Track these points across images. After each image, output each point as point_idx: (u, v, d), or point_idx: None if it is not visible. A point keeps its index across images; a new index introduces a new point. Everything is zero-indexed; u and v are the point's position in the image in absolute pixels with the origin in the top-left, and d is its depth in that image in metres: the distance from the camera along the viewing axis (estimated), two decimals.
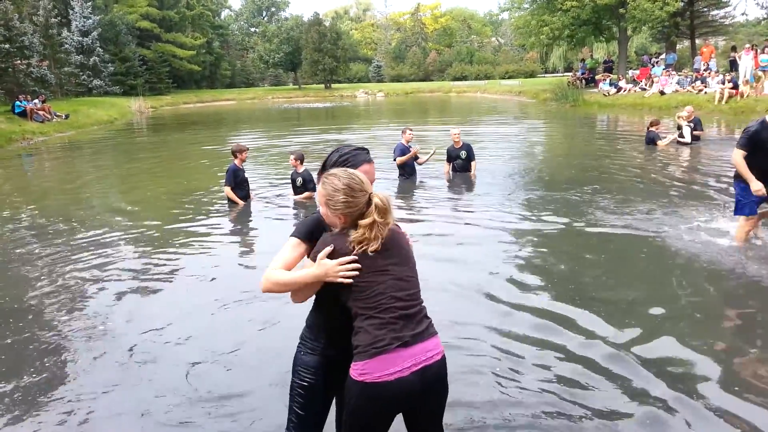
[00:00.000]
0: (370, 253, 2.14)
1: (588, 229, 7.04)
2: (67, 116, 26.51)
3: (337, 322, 2.29)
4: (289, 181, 9.51)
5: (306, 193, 9.13)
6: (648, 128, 13.59)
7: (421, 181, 10.45)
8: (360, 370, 2.08)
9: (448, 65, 68.19)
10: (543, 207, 8.33)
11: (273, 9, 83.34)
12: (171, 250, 7.03)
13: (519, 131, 19.25)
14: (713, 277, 5.41)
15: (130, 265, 6.47)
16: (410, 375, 2.07)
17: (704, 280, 5.38)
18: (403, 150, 10.30)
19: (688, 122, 13.37)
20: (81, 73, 41.30)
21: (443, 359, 2.19)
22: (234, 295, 5.29)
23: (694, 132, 13.33)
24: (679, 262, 5.78)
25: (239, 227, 8.36)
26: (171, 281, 5.94)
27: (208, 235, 7.70)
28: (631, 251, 6.29)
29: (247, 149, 9.22)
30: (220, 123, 30.29)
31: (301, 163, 9.15)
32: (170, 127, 28.38)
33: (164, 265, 6.46)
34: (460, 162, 10.62)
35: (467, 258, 6.24)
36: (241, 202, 8.97)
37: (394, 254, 2.20)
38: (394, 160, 10.34)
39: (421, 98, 47.31)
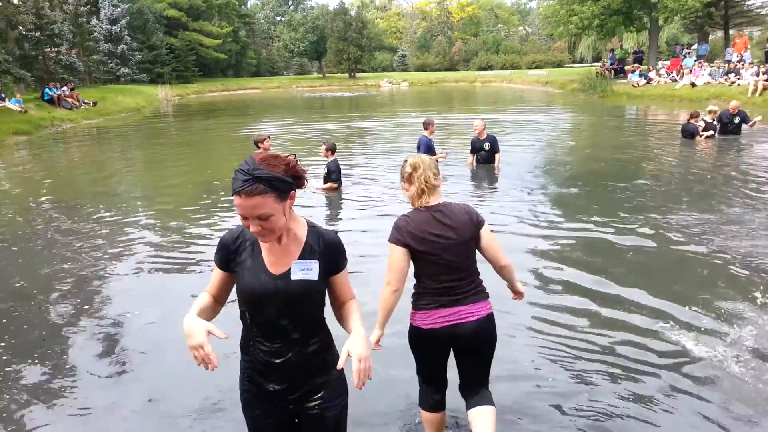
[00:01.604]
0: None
1: (616, 238, 6.41)
2: (95, 103, 26.86)
3: None
4: (313, 170, 9.44)
5: (328, 184, 9.04)
6: (688, 120, 13.19)
7: (443, 175, 10.26)
8: None
9: (473, 55, 67.47)
10: (568, 207, 8.10)
11: None
12: (191, 242, 7.01)
13: (545, 122, 18.90)
14: None
15: (147, 255, 6.47)
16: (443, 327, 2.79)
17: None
18: (429, 145, 10.10)
19: (734, 114, 13.08)
20: (109, 61, 41.82)
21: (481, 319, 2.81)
22: None
23: (742, 125, 13.12)
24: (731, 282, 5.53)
25: None
26: (188, 272, 5.92)
27: (228, 228, 7.67)
28: (672, 267, 5.78)
29: (269, 138, 9.13)
30: (245, 111, 30.42)
31: (332, 153, 9.06)
32: (196, 114, 28.56)
33: (184, 257, 6.44)
34: (484, 154, 10.43)
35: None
36: None
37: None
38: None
39: (445, 88, 46.89)
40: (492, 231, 2.93)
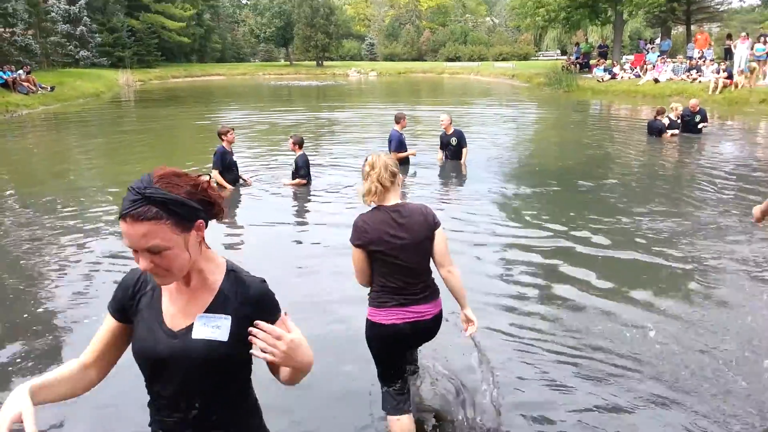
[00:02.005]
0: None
1: (586, 243, 6.33)
2: (52, 88, 25.90)
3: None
4: (280, 164, 9.29)
5: (297, 180, 8.91)
6: (654, 117, 13.41)
7: (413, 170, 10.22)
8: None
9: (441, 45, 67.49)
10: (537, 207, 8.14)
11: None
12: None
13: (512, 116, 19.04)
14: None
15: (108, 248, 6.24)
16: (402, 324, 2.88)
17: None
18: (400, 139, 10.02)
19: (695, 113, 13.31)
20: (68, 44, 40.26)
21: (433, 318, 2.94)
22: None
23: (701, 124, 13.34)
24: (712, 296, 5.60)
25: (226, 216, 8.09)
26: None
27: None
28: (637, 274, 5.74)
29: (233, 130, 8.93)
30: (209, 98, 29.81)
31: (300, 147, 8.89)
32: (158, 101, 27.85)
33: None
34: (452, 148, 10.41)
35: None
36: (229, 187, 8.71)
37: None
38: (390, 151, 10.11)
39: (413, 79, 46.82)
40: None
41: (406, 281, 2.84)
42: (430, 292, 2.91)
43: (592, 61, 31.53)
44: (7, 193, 9.00)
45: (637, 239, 6.44)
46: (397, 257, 2.79)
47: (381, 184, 2.81)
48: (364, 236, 2.81)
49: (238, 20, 75.57)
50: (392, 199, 2.86)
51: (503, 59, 57.98)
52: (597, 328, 4.45)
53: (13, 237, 6.80)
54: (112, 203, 8.36)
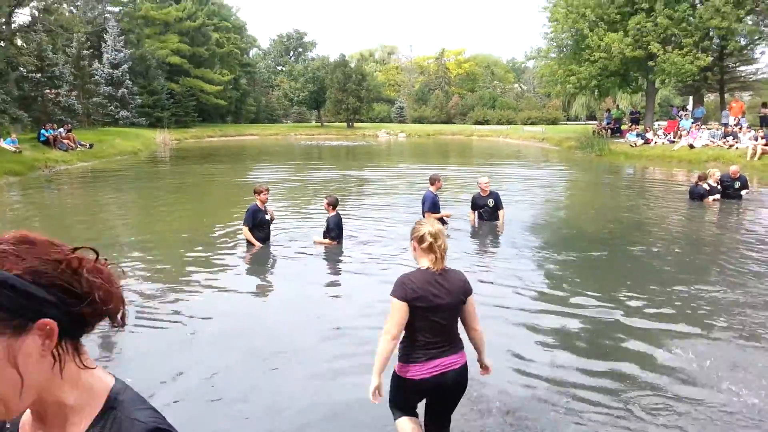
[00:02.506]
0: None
1: (629, 317, 5.89)
2: (91, 145, 26.70)
3: None
4: (317, 221, 9.14)
5: (327, 240, 8.72)
6: (696, 183, 13.10)
7: (447, 232, 9.96)
8: None
9: (470, 109, 68.46)
10: (573, 271, 7.78)
11: (300, 49, 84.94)
12: (177, 293, 6.63)
13: (544, 178, 18.81)
14: None
15: (133, 306, 6.06)
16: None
17: None
18: (434, 201, 9.83)
19: (735, 179, 13.06)
20: (109, 104, 41.92)
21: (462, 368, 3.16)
22: (230, 347, 4.85)
23: (742, 191, 13.08)
24: None
25: (253, 273, 7.91)
26: (169, 326, 5.50)
27: (217, 279, 7.30)
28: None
29: (268, 190, 8.86)
30: (242, 157, 30.35)
31: (333, 208, 8.76)
32: (193, 159, 28.45)
33: (168, 309, 6.04)
34: (488, 210, 10.18)
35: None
36: (258, 244, 8.58)
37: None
38: (423, 212, 9.92)
39: (442, 140, 47.27)
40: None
41: (440, 335, 3.09)
42: (457, 347, 3.17)
43: (623, 127, 31.42)
44: None
45: (686, 310, 6.01)
46: (435, 314, 3.05)
47: (443, 252, 3.13)
48: (410, 293, 3.02)
49: (273, 84, 78.19)
50: (440, 266, 3.14)
51: (532, 123, 58.35)
52: (644, 401, 4.03)
53: None
54: (141, 257, 8.25)
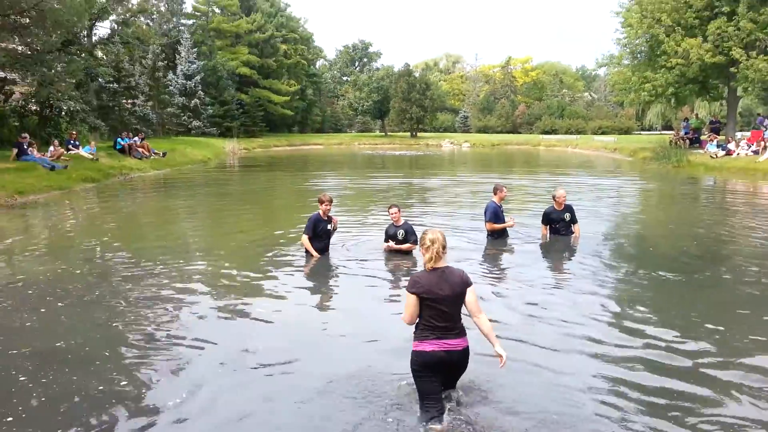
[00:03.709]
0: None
1: (701, 357, 5.12)
2: (164, 154, 27.73)
3: None
4: (377, 231, 9.00)
5: (407, 245, 8.54)
6: None
7: (511, 243, 9.61)
8: None
9: (537, 119, 67.02)
10: (647, 295, 7.22)
11: (365, 60, 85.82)
12: (237, 301, 6.60)
13: (617, 190, 17.99)
14: None
15: (186, 317, 6.06)
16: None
17: None
18: (496, 211, 9.51)
19: None
20: (182, 114, 43.62)
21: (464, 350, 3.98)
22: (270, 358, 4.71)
23: None
24: None
25: (310, 284, 7.79)
26: (229, 330, 5.44)
27: (276, 289, 7.23)
28: None
29: (331, 201, 8.73)
30: (307, 165, 30.80)
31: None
32: (260, 168, 29.13)
33: (225, 316, 6.01)
34: (563, 224, 9.69)
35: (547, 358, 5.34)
36: (316, 255, 8.47)
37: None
38: (486, 222, 9.61)
39: (508, 151, 46.42)
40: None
41: (445, 322, 3.90)
42: (460, 331, 3.97)
43: (703, 137, 29.80)
44: (115, 248, 9.27)
45: None
46: (440, 304, 3.87)
47: (438, 255, 3.93)
48: (419, 287, 3.89)
49: (338, 95, 79.33)
50: (441, 264, 3.97)
51: (603, 133, 56.48)
52: None
53: (107, 288, 6.82)
54: (203, 263, 8.34)
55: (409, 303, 3.91)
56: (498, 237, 9.64)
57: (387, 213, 9.04)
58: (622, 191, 18.10)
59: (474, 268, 7.91)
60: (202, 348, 5.30)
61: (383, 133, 66.03)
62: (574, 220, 9.72)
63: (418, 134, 60.70)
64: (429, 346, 3.87)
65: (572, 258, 8.95)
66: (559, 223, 9.68)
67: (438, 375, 3.92)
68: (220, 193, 18.30)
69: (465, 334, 4.00)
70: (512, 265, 8.43)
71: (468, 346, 3.99)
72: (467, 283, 3.98)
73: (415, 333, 3.99)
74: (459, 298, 3.95)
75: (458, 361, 3.96)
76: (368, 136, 64.22)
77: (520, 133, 65.36)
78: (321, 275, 8.12)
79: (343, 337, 5.56)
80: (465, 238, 10.00)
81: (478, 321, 4.02)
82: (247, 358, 5.07)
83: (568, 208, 9.72)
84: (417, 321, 3.96)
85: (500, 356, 3.96)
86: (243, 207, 15.09)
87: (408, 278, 4.09)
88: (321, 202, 8.62)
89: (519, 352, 5.05)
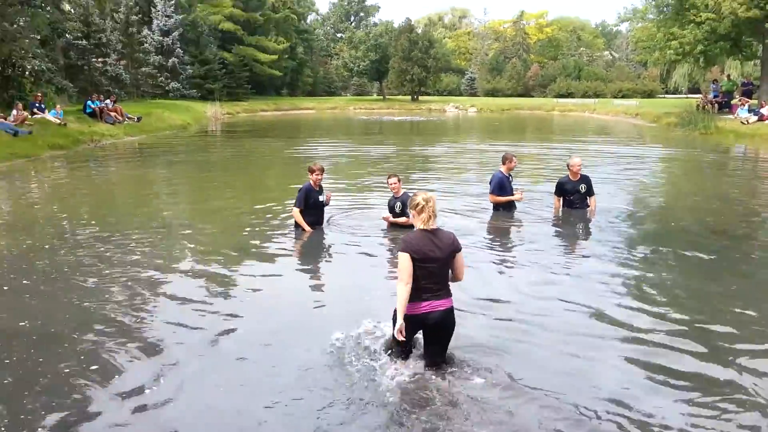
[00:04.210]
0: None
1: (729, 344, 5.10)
2: (139, 119, 27.53)
3: None
4: (374, 204, 9.00)
5: (404, 218, 8.52)
6: None
7: (519, 218, 9.62)
8: None
9: (551, 80, 66.58)
10: (671, 275, 7.23)
11: (362, 14, 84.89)
12: (219, 280, 6.62)
13: (637, 159, 17.95)
14: None
15: (176, 290, 6.08)
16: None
17: None
18: (503, 182, 9.47)
19: None
20: (158, 75, 43.17)
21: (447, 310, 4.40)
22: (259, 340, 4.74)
23: None
24: None
25: (301, 261, 7.82)
26: (211, 312, 5.47)
27: (263, 267, 7.24)
28: None
29: (323, 170, 8.70)
30: (297, 132, 30.65)
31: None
32: (245, 134, 28.98)
33: (213, 296, 6.03)
34: (578, 197, 9.65)
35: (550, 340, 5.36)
36: (308, 229, 8.48)
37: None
38: (489, 193, 9.59)
39: (519, 116, 46.20)
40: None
41: (432, 282, 4.30)
42: (446, 293, 4.39)
43: (733, 101, 29.63)
44: (84, 222, 9.26)
45: None
46: (429, 264, 4.27)
47: (434, 213, 4.36)
48: (411, 247, 4.25)
49: (332, 53, 78.60)
50: (433, 225, 4.36)
51: (623, 96, 56.21)
52: None
53: (85, 265, 6.83)
54: (186, 239, 8.34)
55: (402, 262, 4.23)
56: (504, 210, 9.63)
57: (386, 184, 9.01)
58: (643, 160, 18.06)
59: (478, 244, 7.93)
60: (176, 331, 5.31)
61: (381, 97, 65.64)
62: (590, 192, 9.69)
63: (420, 98, 60.33)
64: (415, 309, 4.25)
65: (587, 234, 8.97)
66: (573, 195, 9.66)
67: (417, 331, 4.42)
68: (201, 162, 18.23)
69: (451, 295, 4.42)
70: (521, 242, 8.44)
71: (452, 307, 4.40)
72: (458, 247, 4.41)
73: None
74: (448, 261, 4.37)
75: (442, 319, 4.34)
76: (365, 99, 63.83)
77: (532, 96, 65.02)
78: (313, 251, 8.14)
79: (334, 317, 5.57)
80: (469, 211, 10.01)
81: (457, 281, 4.54)
82: (225, 342, 5.09)
83: (584, 179, 9.69)
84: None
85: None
86: (226, 177, 15.05)
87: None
88: (311, 171, 8.60)
89: (529, 336, 5.10)
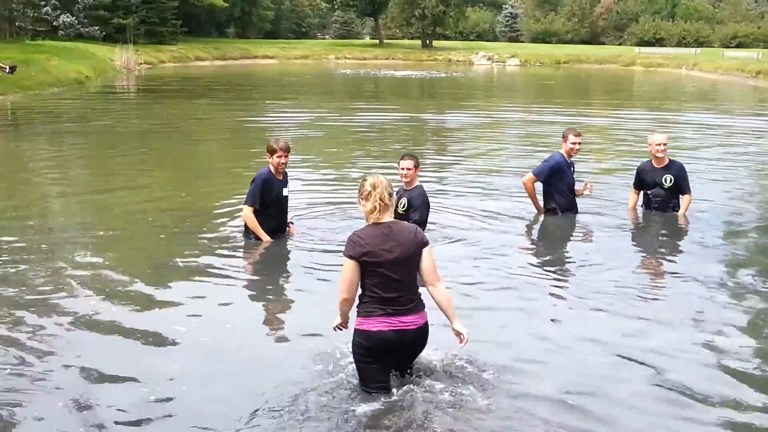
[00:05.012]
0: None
1: None
2: (12, 69, 27.31)
3: None
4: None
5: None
6: None
7: (582, 220, 9.73)
8: None
9: (632, 20, 67.01)
10: None
11: None
12: (129, 310, 6.61)
13: (757, 138, 18.07)
14: None
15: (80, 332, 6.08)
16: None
17: None
18: (560, 168, 9.45)
19: None
20: (43, 4, 43.15)
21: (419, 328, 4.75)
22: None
23: None
24: None
25: (253, 286, 7.77)
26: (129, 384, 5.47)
27: (197, 294, 7.21)
28: None
29: (288, 150, 8.66)
30: (249, 92, 30.66)
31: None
32: (172, 94, 28.98)
33: (125, 340, 6.04)
34: (662, 193, 9.68)
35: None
36: (266, 238, 8.44)
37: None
38: (534, 173, 9.60)
39: (582, 72, 46.46)
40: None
41: (395, 292, 4.61)
42: (416, 304, 4.70)
43: None
44: None
45: None
46: (387, 269, 4.57)
47: (382, 202, 4.60)
48: (359, 249, 4.56)
49: None
50: (387, 218, 4.68)
51: (739, 45, 56.50)
52: None
53: None
54: (85, 255, 8.31)
55: (346, 270, 4.62)
56: (562, 212, 9.65)
57: (390, 169, 8.95)
58: (761, 140, 18.16)
59: (518, 258, 7.92)
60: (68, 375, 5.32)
61: (377, 41, 65.81)
62: (681, 188, 9.67)
63: (435, 43, 60.54)
64: (375, 325, 4.59)
65: (669, 250, 8.95)
66: (653, 189, 9.69)
67: (386, 359, 4.72)
68: (104, 134, 18.22)
69: (423, 308, 4.75)
70: (584, 263, 8.40)
71: (426, 323, 4.76)
72: (423, 243, 4.74)
73: (358, 308, 4.73)
74: (411, 261, 4.69)
75: (412, 341, 4.71)
76: (352, 45, 64.03)
77: (602, 43, 65.37)
78: (271, 271, 8.14)
79: (291, 366, 5.55)
80: (507, 217, 9.98)
81: (433, 291, 4.79)
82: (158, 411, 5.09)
83: (674, 167, 9.65)
84: (360, 293, 4.68)
85: (459, 334, 4.77)
86: (143, 157, 15.06)
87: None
88: (272, 151, 8.54)
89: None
